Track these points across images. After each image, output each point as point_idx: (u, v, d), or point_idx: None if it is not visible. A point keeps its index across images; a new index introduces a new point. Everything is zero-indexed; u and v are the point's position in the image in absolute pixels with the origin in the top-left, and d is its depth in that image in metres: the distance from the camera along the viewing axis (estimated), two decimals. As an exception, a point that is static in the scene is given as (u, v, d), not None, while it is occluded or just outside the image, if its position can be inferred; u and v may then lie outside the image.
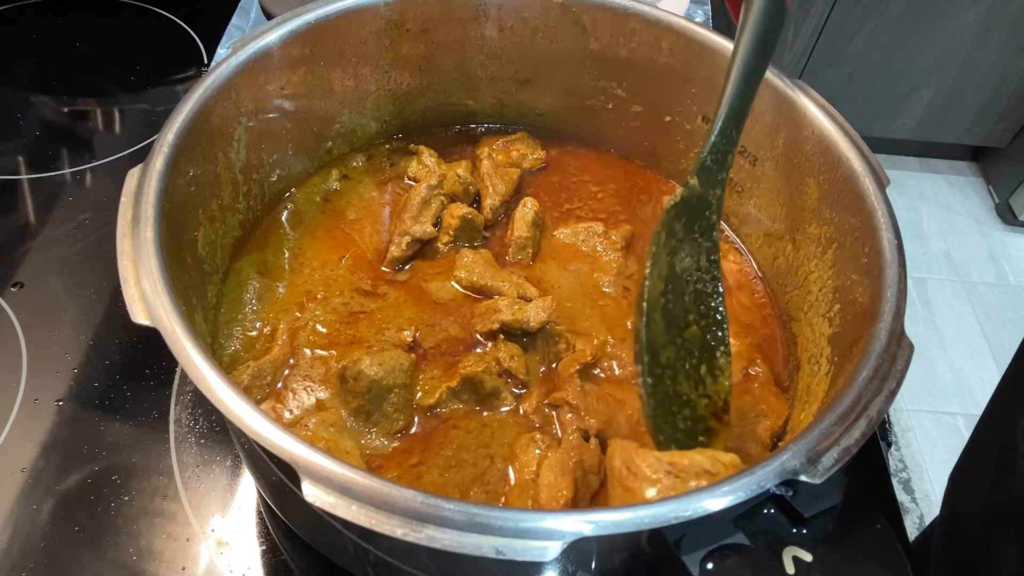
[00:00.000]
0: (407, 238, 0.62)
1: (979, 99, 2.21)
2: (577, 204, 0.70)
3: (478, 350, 0.57)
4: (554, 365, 0.57)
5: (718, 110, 0.53)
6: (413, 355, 0.55)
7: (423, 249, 0.64)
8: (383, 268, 0.63)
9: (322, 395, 0.54)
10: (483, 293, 0.61)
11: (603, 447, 0.53)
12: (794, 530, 0.38)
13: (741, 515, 0.38)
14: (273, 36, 0.58)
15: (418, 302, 0.60)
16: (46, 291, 0.73)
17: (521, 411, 0.55)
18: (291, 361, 0.56)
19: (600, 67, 0.69)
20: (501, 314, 0.57)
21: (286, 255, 0.63)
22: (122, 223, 0.45)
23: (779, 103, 0.59)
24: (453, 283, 0.62)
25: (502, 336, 0.57)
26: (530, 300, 0.58)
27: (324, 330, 0.58)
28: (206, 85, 0.53)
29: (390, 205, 0.68)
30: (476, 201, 0.68)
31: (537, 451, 0.51)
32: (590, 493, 0.50)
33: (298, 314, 0.58)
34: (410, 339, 0.57)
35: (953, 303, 2.12)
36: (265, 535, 0.59)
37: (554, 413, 0.54)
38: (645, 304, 0.49)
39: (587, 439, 0.52)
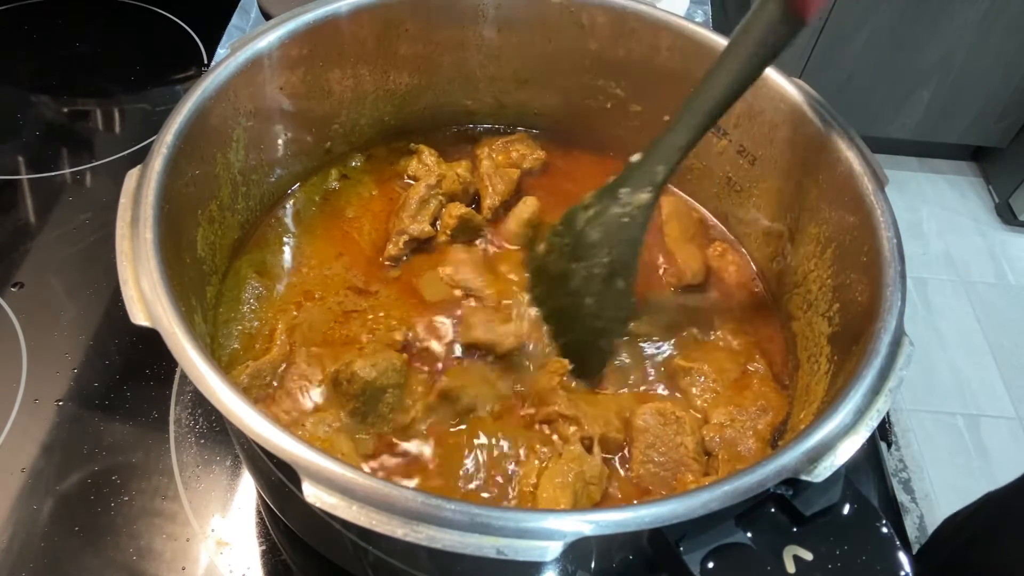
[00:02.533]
0: (404, 237, 0.62)
1: (979, 99, 2.21)
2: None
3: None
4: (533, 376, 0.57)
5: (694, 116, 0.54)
6: (405, 355, 0.55)
7: (421, 248, 0.64)
8: (383, 260, 0.62)
9: (320, 395, 0.54)
10: (466, 291, 0.61)
11: (606, 451, 0.52)
12: (795, 529, 0.38)
13: (742, 514, 0.38)
14: (272, 36, 0.58)
15: (410, 300, 0.60)
16: (46, 291, 0.73)
17: (510, 426, 0.54)
18: (289, 361, 0.55)
19: (599, 67, 0.69)
20: (474, 331, 0.57)
21: (285, 255, 0.63)
22: (121, 224, 0.45)
23: (778, 102, 0.59)
24: (442, 279, 0.62)
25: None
26: (511, 309, 0.59)
27: (322, 330, 0.57)
28: (204, 86, 0.53)
29: (389, 204, 0.68)
30: (475, 201, 0.68)
31: (536, 462, 0.51)
32: (591, 504, 0.50)
33: (296, 314, 0.58)
34: (402, 339, 0.57)
35: (953, 303, 2.12)
36: (265, 535, 0.59)
37: (547, 427, 0.54)
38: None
39: (590, 449, 0.52)
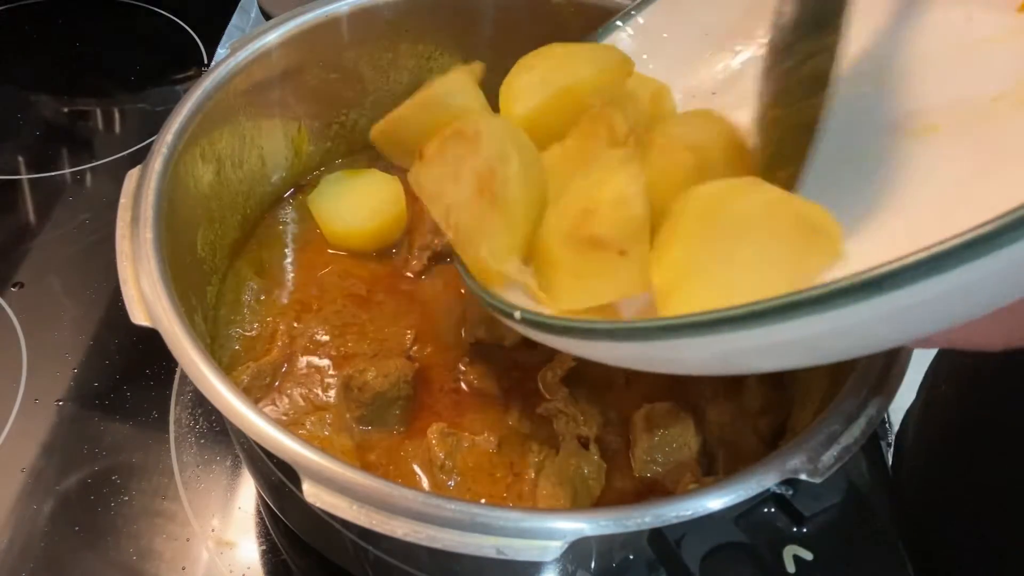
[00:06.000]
0: (428, 252, 0.62)
1: (979, 98, 2.21)
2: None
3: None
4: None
5: None
6: (417, 364, 0.55)
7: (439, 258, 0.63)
8: (407, 273, 0.62)
9: (321, 396, 0.54)
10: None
11: (602, 452, 0.52)
12: (794, 529, 0.38)
13: (741, 514, 0.38)
14: (272, 36, 0.58)
15: (414, 305, 0.60)
16: (46, 291, 0.73)
17: (509, 423, 0.54)
18: (290, 362, 0.55)
19: (600, 67, 0.69)
20: (478, 330, 0.56)
21: (285, 255, 0.63)
22: (121, 224, 0.45)
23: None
24: (463, 290, 0.61)
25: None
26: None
27: (323, 329, 0.57)
28: (204, 86, 0.53)
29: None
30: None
31: (535, 460, 0.51)
32: (591, 500, 0.50)
33: (296, 320, 0.58)
34: (410, 343, 0.57)
35: (953, 302, 2.12)
36: (265, 535, 0.59)
37: (553, 421, 0.54)
38: None
39: (586, 446, 0.52)
